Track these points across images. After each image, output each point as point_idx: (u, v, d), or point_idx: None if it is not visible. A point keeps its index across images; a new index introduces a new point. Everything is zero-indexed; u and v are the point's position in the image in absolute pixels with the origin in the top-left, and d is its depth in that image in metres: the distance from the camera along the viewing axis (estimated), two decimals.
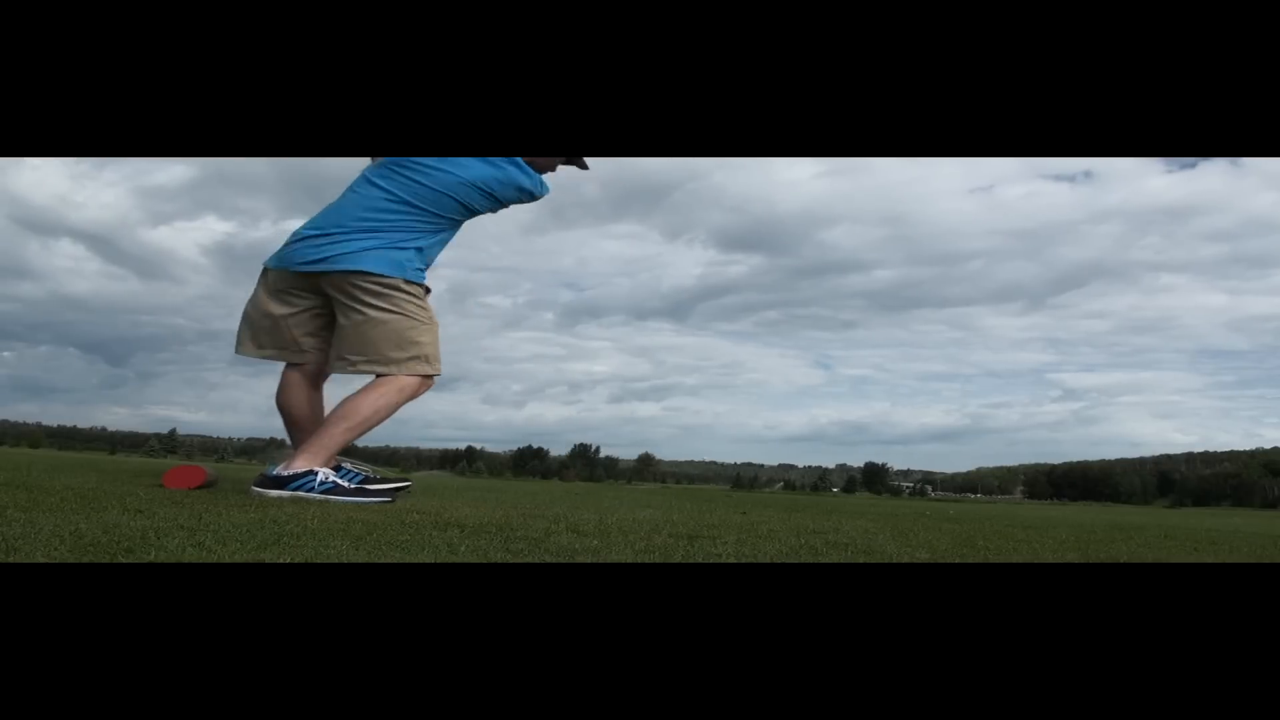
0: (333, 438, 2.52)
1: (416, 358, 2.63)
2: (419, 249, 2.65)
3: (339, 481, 2.45)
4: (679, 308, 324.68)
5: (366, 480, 2.69)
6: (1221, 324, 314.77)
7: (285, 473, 2.43)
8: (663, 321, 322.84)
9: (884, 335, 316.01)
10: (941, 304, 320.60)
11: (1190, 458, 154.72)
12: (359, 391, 2.63)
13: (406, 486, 2.90)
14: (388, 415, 2.64)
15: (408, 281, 2.61)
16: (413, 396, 2.68)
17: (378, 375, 2.61)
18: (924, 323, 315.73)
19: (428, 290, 2.75)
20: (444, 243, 2.74)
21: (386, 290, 2.58)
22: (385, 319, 2.59)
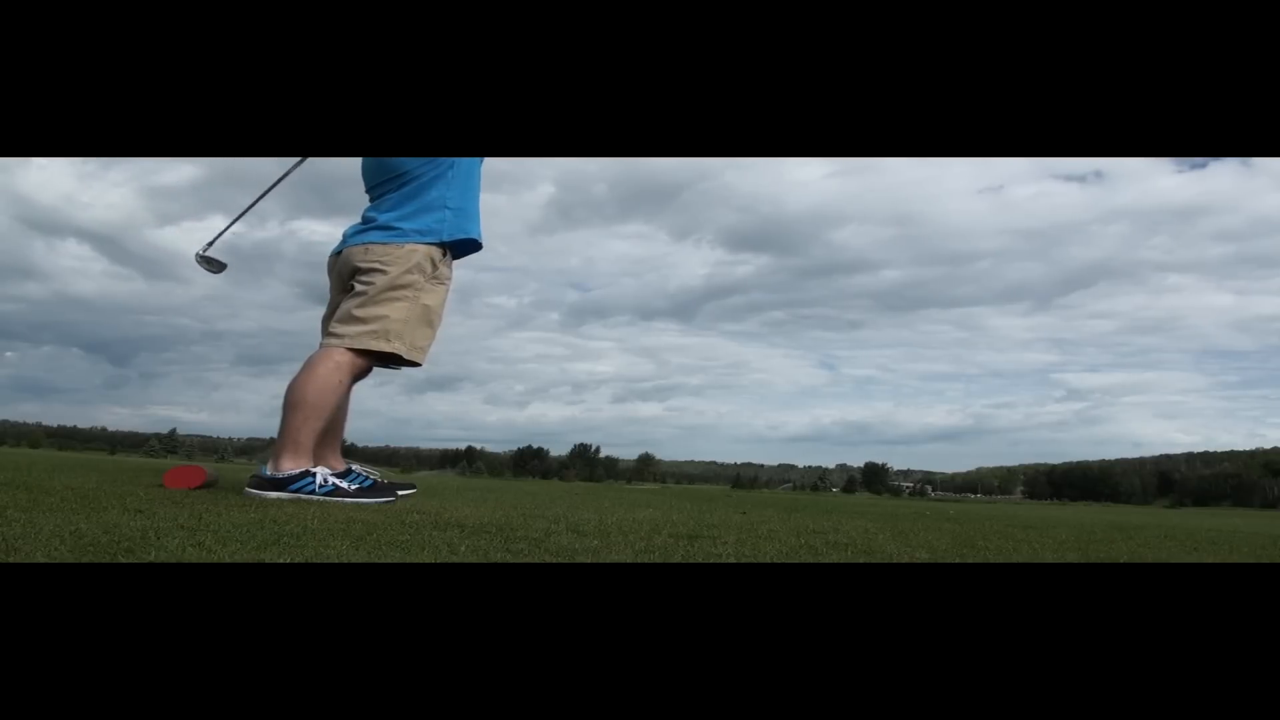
0: (297, 431, 2.45)
1: (370, 332, 2.53)
2: (404, 211, 2.61)
3: (339, 484, 2.44)
4: (685, 308, 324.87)
5: (376, 484, 2.68)
6: (1227, 324, 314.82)
7: (279, 474, 2.42)
8: (668, 321, 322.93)
9: (889, 335, 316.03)
10: (948, 304, 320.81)
11: (1190, 458, 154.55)
12: (297, 374, 2.55)
13: (412, 492, 2.88)
14: (337, 394, 2.53)
15: (396, 247, 2.57)
16: (354, 371, 2.57)
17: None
18: (930, 323, 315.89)
19: (446, 250, 2.67)
20: (450, 183, 2.63)
21: (369, 263, 2.59)
22: (359, 290, 2.59)
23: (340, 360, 2.53)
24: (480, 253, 2.88)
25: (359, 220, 2.73)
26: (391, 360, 2.63)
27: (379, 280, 2.56)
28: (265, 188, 2.96)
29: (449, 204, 2.64)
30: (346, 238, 2.69)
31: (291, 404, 2.48)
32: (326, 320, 2.75)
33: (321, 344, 2.61)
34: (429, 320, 2.67)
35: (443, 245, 2.66)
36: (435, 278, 2.67)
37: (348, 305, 2.59)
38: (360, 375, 2.63)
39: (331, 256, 2.77)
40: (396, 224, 2.60)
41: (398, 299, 2.56)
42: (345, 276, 2.66)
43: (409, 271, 2.58)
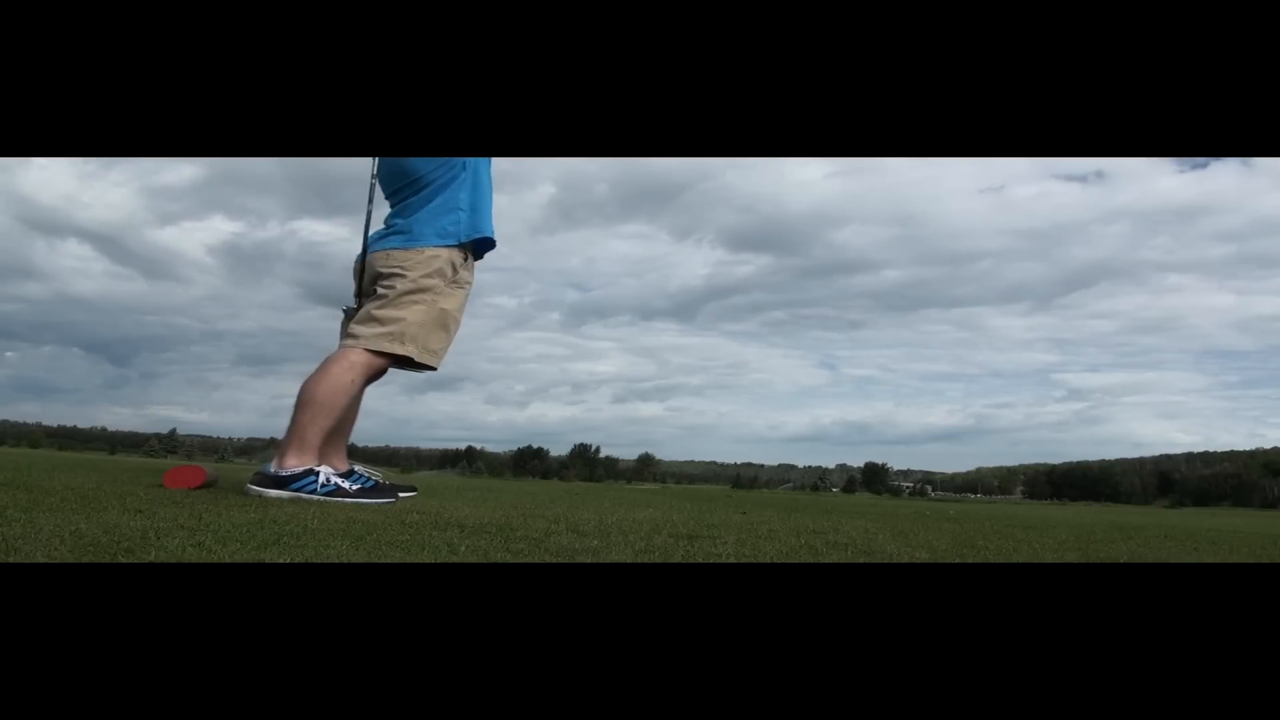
0: (304, 428, 2.47)
1: (386, 334, 2.57)
2: (428, 213, 2.64)
3: (340, 483, 2.45)
4: (685, 308, 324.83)
5: (378, 485, 2.69)
6: (1228, 324, 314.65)
7: (282, 472, 2.43)
8: (668, 321, 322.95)
9: (890, 335, 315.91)
10: (949, 304, 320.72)
11: (1190, 458, 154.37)
12: (312, 373, 2.58)
13: (412, 494, 2.89)
14: (348, 393, 2.56)
15: (416, 252, 2.61)
16: (368, 372, 2.59)
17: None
18: (930, 323, 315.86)
19: (466, 253, 2.71)
20: (463, 184, 2.66)
21: (390, 268, 2.63)
22: (380, 293, 2.63)
23: (355, 360, 2.56)
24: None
25: (381, 225, 2.77)
26: (406, 363, 2.66)
27: (399, 284, 2.60)
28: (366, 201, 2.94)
29: (462, 205, 2.68)
30: (370, 244, 2.74)
31: (302, 402, 2.51)
32: (346, 323, 2.79)
33: (340, 345, 2.65)
34: (445, 324, 2.70)
35: (463, 248, 2.70)
36: (455, 282, 2.71)
37: (368, 307, 2.64)
38: (375, 376, 2.66)
39: (356, 262, 2.81)
40: (414, 229, 2.64)
41: (416, 302, 2.61)
42: (369, 282, 2.71)
43: (429, 275, 2.62)
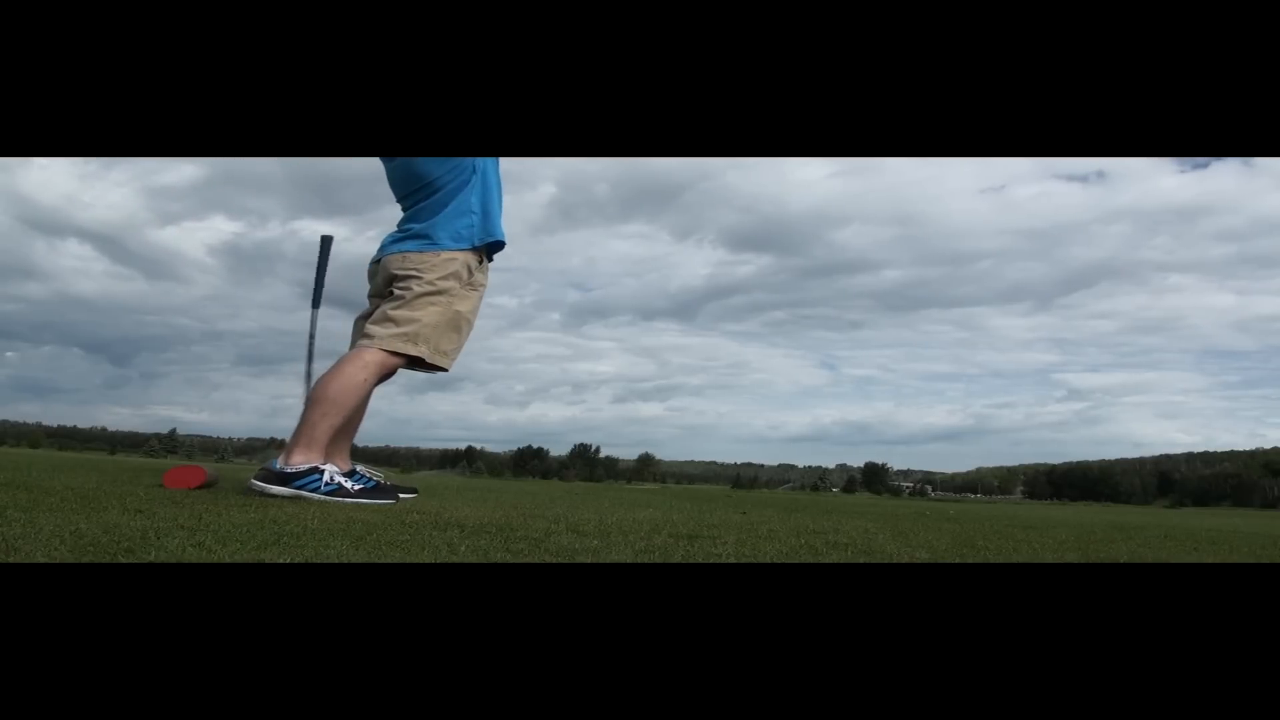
0: (313, 425, 2.50)
1: (401, 335, 2.60)
2: (445, 217, 2.66)
3: (343, 483, 2.45)
4: (686, 308, 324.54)
5: (379, 486, 2.70)
6: (1228, 324, 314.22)
7: (287, 469, 2.43)
8: (669, 321, 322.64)
9: (890, 335, 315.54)
10: (949, 304, 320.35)
11: (1190, 458, 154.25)
12: (326, 371, 2.62)
13: (413, 496, 2.90)
14: (360, 392, 2.58)
15: (432, 255, 2.64)
16: (381, 372, 2.62)
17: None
18: (931, 323, 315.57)
19: (481, 255, 2.74)
20: (473, 187, 2.68)
21: (406, 270, 2.65)
22: (396, 294, 2.66)
23: (369, 360, 2.58)
24: None
25: (394, 229, 2.80)
26: (418, 363, 2.68)
27: (415, 286, 2.63)
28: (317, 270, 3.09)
29: (474, 208, 2.70)
30: (384, 246, 2.77)
31: (314, 399, 2.54)
32: (359, 323, 2.81)
33: (355, 344, 2.68)
34: (458, 326, 2.72)
35: (476, 251, 2.72)
36: (470, 284, 2.74)
37: (384, 308, 2.67)
38: (386, 376, 2.69)
39: (371, 264, 2.83)
40: (430, 233, 2.66)
41: (432, 304, 2.64)
42: (384, 284, 2.73)
43: (445, 278, 2.64)
